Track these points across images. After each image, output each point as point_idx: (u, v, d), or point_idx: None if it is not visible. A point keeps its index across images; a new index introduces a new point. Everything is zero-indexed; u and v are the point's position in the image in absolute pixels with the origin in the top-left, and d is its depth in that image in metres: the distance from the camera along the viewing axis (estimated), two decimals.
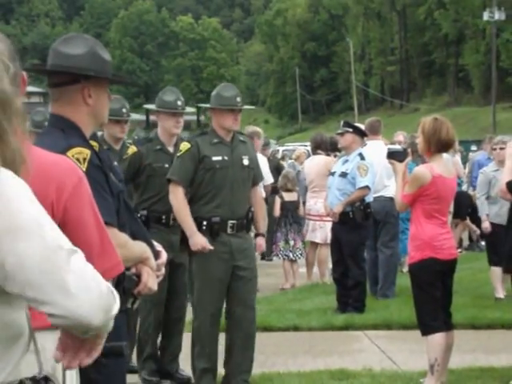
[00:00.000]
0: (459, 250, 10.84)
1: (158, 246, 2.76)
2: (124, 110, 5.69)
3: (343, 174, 7.51)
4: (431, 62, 65.01)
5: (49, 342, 2.05)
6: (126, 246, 2.48)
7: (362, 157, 7.52)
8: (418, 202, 5.04)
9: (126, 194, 2.70)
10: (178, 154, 5.05)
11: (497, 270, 8.02)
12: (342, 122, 7.95)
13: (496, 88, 43.01)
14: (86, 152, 2.50)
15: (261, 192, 5.88)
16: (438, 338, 5.02)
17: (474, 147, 20.34)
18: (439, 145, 5.04)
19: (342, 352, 6.27)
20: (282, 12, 76.47)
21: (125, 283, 2.47)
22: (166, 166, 5.30)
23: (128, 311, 2.62)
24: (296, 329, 6.85)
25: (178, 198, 4.99)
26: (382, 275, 8.26)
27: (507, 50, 52.63)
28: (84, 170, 2.39)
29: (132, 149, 5.47)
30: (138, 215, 5.19)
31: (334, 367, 5.63)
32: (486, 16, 45.55)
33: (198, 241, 4.89)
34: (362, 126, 8.03)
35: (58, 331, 2.01)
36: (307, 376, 5.40)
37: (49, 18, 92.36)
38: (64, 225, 2.11)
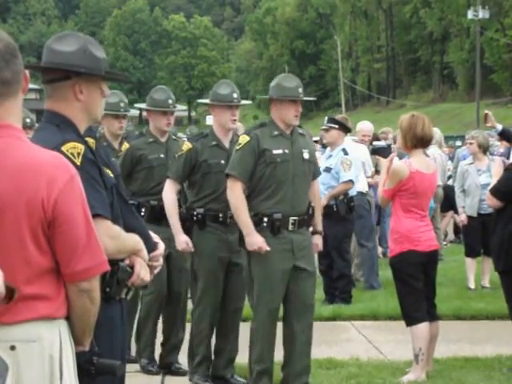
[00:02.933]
0: (444, 243, 11.14)
1: (156, 238, 2.75)
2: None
3: (327, 169, 7.47)
4: (417, 59, 64.87)
5: (46, 332, 2.13)
6: (119, 237, 2.49)
7: (345, 152, 7.52)
8: (397, 197, 5.07)
9: (122, 187, 2.72)
10: (237, 148, 4.75)
11: (469, 261, 8.28)
12: (326, 118, 7.92)
13: (480, 85, 43.11)
14: (80, 147, 2.48)
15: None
16: (421, 328, 5.06)
17: (458, 143, 20.56)
18: (414, 140, 5.06)
19: (329, 342, 6.21)
20: (272, 10, 76.04)
21: (119, 274, 2.49)
22: (222, 162, 5.02)
23: (123, 302, 2.61)
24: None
25: (236, 194, 4.69)
26: (366, 268, 8.37)
27: (491, 47, 52.82)
28: (78, 164, 2.40)
29: (187, 145, 5.15)
30: (194, 213, 5.06)
31: (322, 356, 5.55)
32: (470, 14, 45.40)
33: (255, 241, 4.62)
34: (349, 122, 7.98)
35: (54, 321, 2.15)
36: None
37: (45, 16, 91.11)
38: (53, 220, 2.12)
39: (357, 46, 69.95)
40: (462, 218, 8.41)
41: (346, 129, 7.75)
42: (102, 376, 2.34)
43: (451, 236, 12.78)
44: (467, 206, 8.29)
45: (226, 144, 5.16)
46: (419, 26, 62.01)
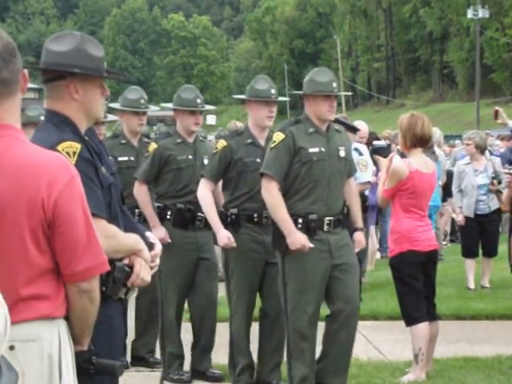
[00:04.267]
0: (444, 243, 11.11)
1: (152, 238, 2.73)
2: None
3: None
4: (416, 58, 64.93)
5: (45, 332, 2.13)
6: (115, 237, 2.47)
7: (359, 152, 7.34)
8: (397, 197, 5.07)
9: (119, 187, 2.68)
10: (272, 146, 4.56)
11: (468, 261, 8.23)
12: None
13: (480, 84, 43.20)
14: (76, 146, 2.48)
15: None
16: (421, 328, 5.05)
17: (458, 142, 20.64)
18: (414, 139, 5.06)
19: None
20: (271, 10, 76.19)
21: (115, 273, 2.47)
22: (258, 160, 4.83)
23: (123, 302, 2.59)
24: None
25: (272, 193, 4.51)
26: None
27: (491, 47, 52.86)
28: (73, 163, 2.38)
29: (221, 143, 4.99)
30: (229, 214, 4.92)
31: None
32: (470, 14, 45.40)
33: (298, 239, 4.43)
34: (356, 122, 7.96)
35: (54, 321, 2.15)
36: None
37: (44, 16, 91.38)
38: (53, 221, 2.12)
39: (356, 46, 70.04)
40: (458, 219, 8.40)
41: (353, 129, 7.69)
42: (100, 376, 2.34)
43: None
44: (464, 207, 8.26)
45: (262, 142, 4.99)
46: (419, 25, 62.10)
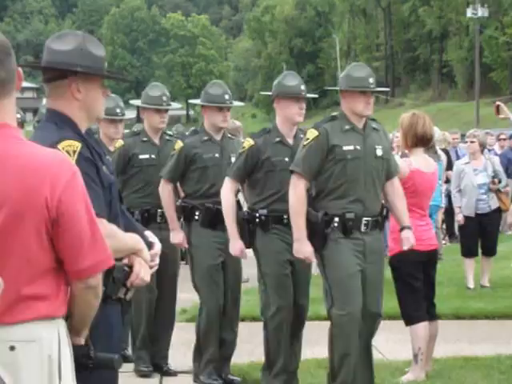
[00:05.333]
0: (444, 242, 11.13)
1: (151, 237, 2.73)
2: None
3: None
4: (415, 57, 64.88)
5: (45, 332, 2.13)
6: (115, 236, 2.46)
7: None
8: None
9: (117, 186, 2.70)
10: (304, 143, 4.45)
11: (467, 261, 8.24)
12: None
13: (479, 83, 43.32)
14: (77, 145, 2.49)
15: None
16: (420, 327, 5.06)
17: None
18: (415, 139, 5.08)
19: None
20: (270, 9, 75.93)
21: (114, 273, 2.47)
22: (287, 159, 4.75)
23: (121, 301, 2.59)
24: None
25: (297, 193, 4.41)
26: None
27: (490, 46, 52.81)
28: (73, 161, 2.40)
29: (248, 142, 4.87)
30: (257, 215, 4.81)
31: (320, 356, 5.42)
32: (469, 13, 45.62)
33: (305, 249, 4.41)
34: None
35: (53, 321, 2.14)
36: (304, 364, 5.16)
37: (42, 15, 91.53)
38: (57, 218, 2.12)
39: (355, 45, 69.92)
40: (458, 219, 8.37)
41: None
42: (99, 370, 2.34)
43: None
44: (464, 207, 8.22)
45: (290, 140, 4.88)
46: (418, 24, 62.07)
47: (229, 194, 4.84)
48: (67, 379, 2.15)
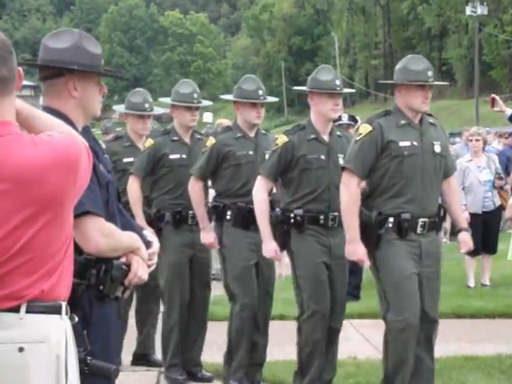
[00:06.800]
0: (444, 240, 11.00)
1: (150, 236, 2.74)
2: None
3: None
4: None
5: (53, 332, 2.14)
6: (112, 235, 2.47)
7: None
8: None
9: (115, 185, 2.70)
10: (357, 138, 4.24)
11: (468, 259, 8.20)
12: (345, 116, 7.54)
13: (479, 81, 43.26)
14: None
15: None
16: None
17: (458, 139, 20.70)
18: None
19: None
20: (269, 7, 76.12)
21: (112, 271, 2.48)
22: (323, 157, 4.63)
23: (119, 300, 2.60)
24: (282, 318, 6.48)
25: (350, 191, 4.19)
26: None
27: (489, 44, 52.83)
28: None
29: (282, 138, 4.69)
30: (292, 215, 4.63)
31: None
32: (468, 11, 45.54)
33: (357, 251, 4.19)
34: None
35: (60, 321, 2.15)
36: (294, 364, 5.01)
37: (40, 13, 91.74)
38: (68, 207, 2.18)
39: (354, 43, 70.05)
40: (465, 216, 8.15)
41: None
42: (94, 377, 2.33)
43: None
44: (470, 204, 8.15)
45: (326, 137, 4.69)
46: (417, 22, 62.15)
47: (262, 193, 4.66)
48: (73, 379, 2.17)
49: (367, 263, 4.21)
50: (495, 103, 6.44)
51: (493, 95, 6.58)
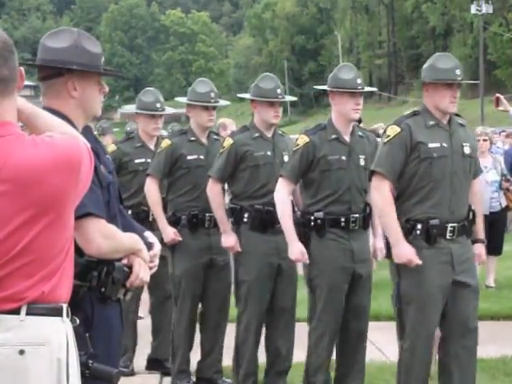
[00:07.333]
0: None
1: (151, 238, 2.72)
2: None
3: None
4: (419, 54, 64.85)
5: (54, 335, 2.12)
6: (114, 237, 2.47)
7: None
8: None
9: (116, 186, 2.68)
10: (385, 140, 4.09)
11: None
12: None
13: (483, 81, 43.28)
14: None
15: None
16: None
17: None
18: None
19: None
20: (271, 5, 76.45)
21: (114, 273, 2.49)
22: (344, 158, 4.52)
23: (120, 302, 2.61)
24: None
25: (383, 194, 4.04)
26: None
27: (494, 43, 52.77)
28: None
29: (303, 138, 4.58)
30: (312, 218, 4.52)
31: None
32: (473, 9, 45.67)
33: (405, 252, 3.99)
34: None
35: (61, 324, 2.14)
36: (296, 368, 5.05)
37: (40, 12, 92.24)
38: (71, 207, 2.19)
39: (358, 42, 70.20)
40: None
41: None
42: (96, 381, 2.31)
43: None
44: None
45: (347, 137, 4.60)
46: (421, 20, 62.27)
47: (284, 195, 4.53)
48: (75, 383, 2.15)
49: (418, 262, 3.99)
50: (500, 103, 6.37)
51: (497, 95, 6.54)
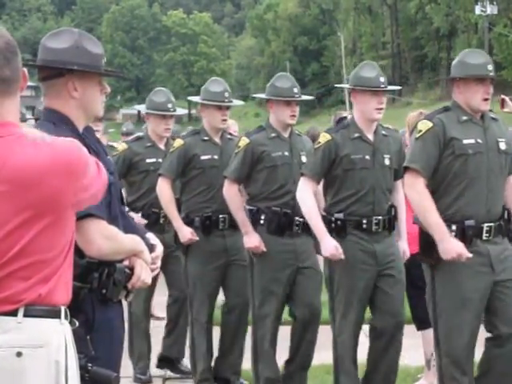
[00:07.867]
0: None
1: (153, 239, 2.72)
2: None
3: None
4: (423, 56, 65.54)
5: (53, 337, 2.09)
6: (115, 238, 2.47)
7: None
8: (406, 197, 4.78)
9: (118, 187, 2.70)
10: (417, 136, 3.96)
11: None
12: (350, 116, 7.69)
13: None
14: None
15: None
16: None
17: None
18: None
19: None
20: (273, 6, 77.05)
21: (115, 275, 2.49)
22: (367, 157, 4.42)
23: (121, 303, 2.62)
24: (288, 323, 6.29)
25: (419, 191, 3.90)
26: None
27: (500, 43, 52.84)
28: None
29: (324, 136, 4.51)
30: (332, 219, 4.45)
31: (328, 362, 5.08)
32: (478, 10, 45.99)
33: (452, 246, 3.82)
34: None
35: (60, 326, 2.11)
36: (316, 369, 5.07)
37: (40, 12, 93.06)
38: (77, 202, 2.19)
39: (361, 43, 70.75)
40: None
41: None
42: None
43: None
44: None
45: (370, 136, 4.49)
46: (425, 21, 62.65)
47: (308, 193, 4.42)
48: None
49: (469, 255, 3.83)
50: (505, 104, 6.14)
51: (503, 96, 6.30)
